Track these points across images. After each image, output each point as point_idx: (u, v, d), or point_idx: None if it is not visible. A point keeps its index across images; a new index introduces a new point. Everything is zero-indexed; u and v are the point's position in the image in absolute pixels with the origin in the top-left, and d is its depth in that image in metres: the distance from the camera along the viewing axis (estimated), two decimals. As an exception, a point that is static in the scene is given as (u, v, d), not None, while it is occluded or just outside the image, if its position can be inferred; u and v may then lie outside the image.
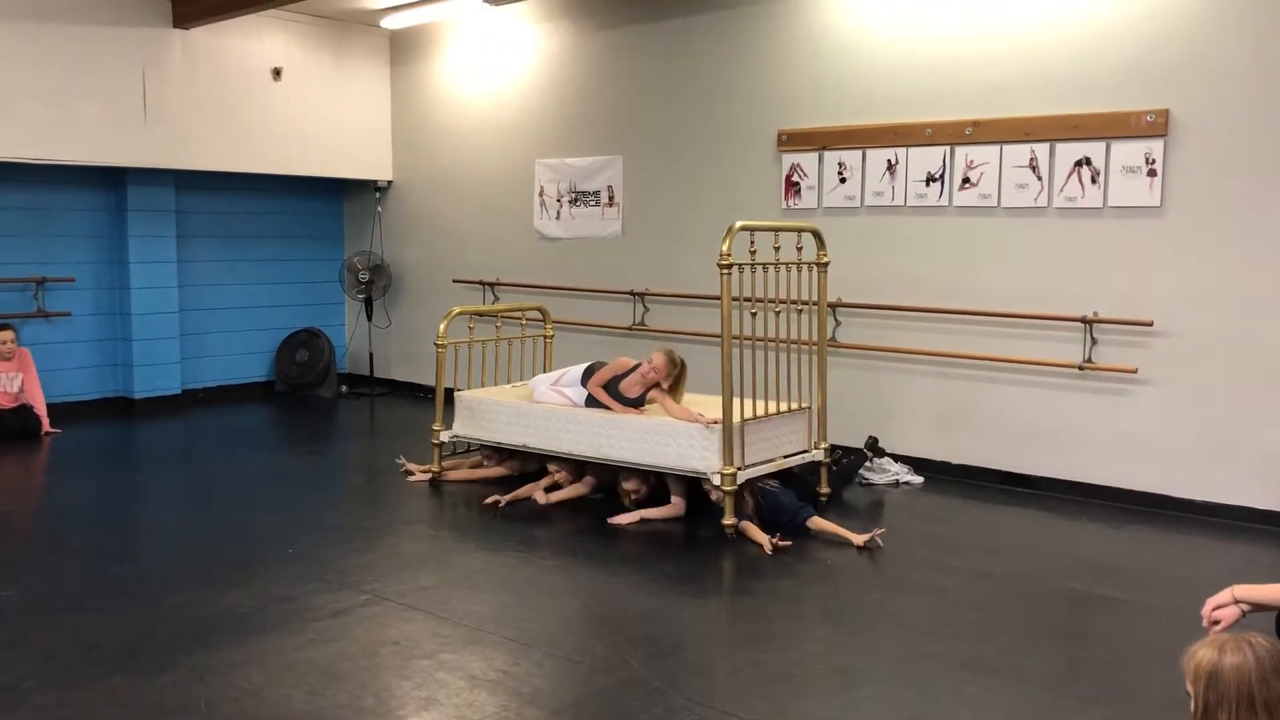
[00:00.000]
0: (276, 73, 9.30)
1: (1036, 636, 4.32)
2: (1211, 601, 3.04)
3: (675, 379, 6.10)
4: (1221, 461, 5.96)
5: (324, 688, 3.71)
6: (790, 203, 7.51)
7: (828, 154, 7.31)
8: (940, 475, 6.85)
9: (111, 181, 8.98)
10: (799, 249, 6.07)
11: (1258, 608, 3.01)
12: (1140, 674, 3.92)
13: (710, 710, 3.57)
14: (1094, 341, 6.33)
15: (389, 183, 10.27)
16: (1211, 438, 5.99)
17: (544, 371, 7.41)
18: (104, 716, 3.47)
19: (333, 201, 10.69)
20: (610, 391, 6.20)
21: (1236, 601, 3.00)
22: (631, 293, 8.38)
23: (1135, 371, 6.19)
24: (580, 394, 6.32)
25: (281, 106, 9.37)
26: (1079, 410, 6.44)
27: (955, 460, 6.88)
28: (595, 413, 6.09)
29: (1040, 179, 6.46)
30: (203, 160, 8.91)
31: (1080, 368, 6.36)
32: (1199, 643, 2.21)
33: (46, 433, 8.07)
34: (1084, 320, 6.31)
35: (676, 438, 5.72)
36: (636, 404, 6.18)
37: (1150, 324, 6.11)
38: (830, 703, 3.64)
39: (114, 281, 9.10)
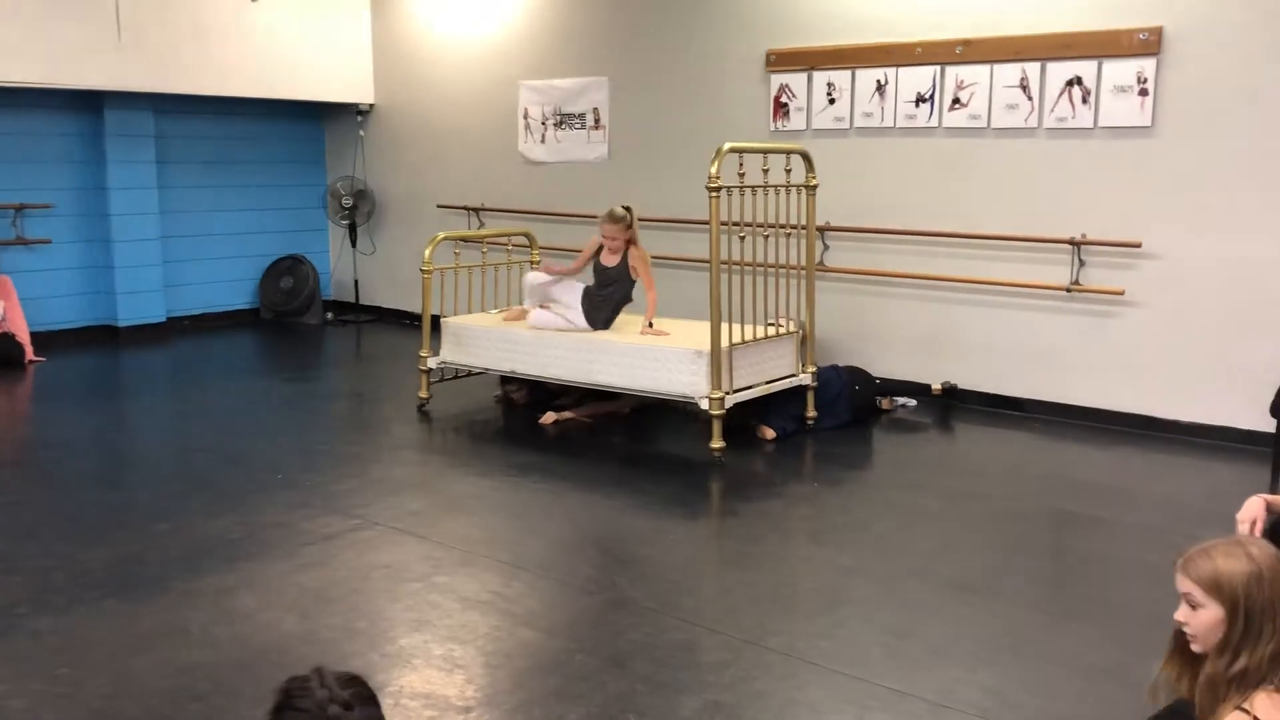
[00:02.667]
0: (254, -7, 9.08)
1: (1021, 556, 4.37)
2: (1242, 516, 3.10)
3: (631, 225, 6.23)
4: (1207, 382, 6.00)
5: (316, 611, 3.74)
6: (779, 124, 7.42)
7: (817, 74, 7.20)
8: (925, 397, 6.86)
9: (88, 105, 8.80)
10: (787, 171, 6.01)
11: None
12: (1123, 591, 3.98)
13: (699, 629, 3.61)
14: (1082, 263, 6.31)
15: (370, 106, 10.10)
16: (1197, 359, 6.02)
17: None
18: (97, 641, 3.50)
19: (314, 126, 10.51)
20: (597, 274, 6.35)
21: (1268, 507, 3.08)
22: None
23: (1123, 293, 6.19)
24: (576, 310, 6.33)
25: (260, 28, 9.17)
26: (1066, 332, 6.45)
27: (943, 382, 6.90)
28: (584, 337, 6.07)
29: (1031, 99, 6.39)
30: (180, 83, 8.74)
31: (1068, 289, 6.35)
32: (1206, 557, 2.13)
33: (30, 361, 8.02)
34: (1072, 242, 6.29)
35: (665, 362, 5.72)
36: (621, 271, 6.27)
37: (1139, 245, 6.09)
38: (817, 621, 3.69)
39: (94, 208, 8.97)
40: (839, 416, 6.31)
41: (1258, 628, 2.04)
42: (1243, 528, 3.03)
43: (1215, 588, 2.09)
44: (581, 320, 6.26)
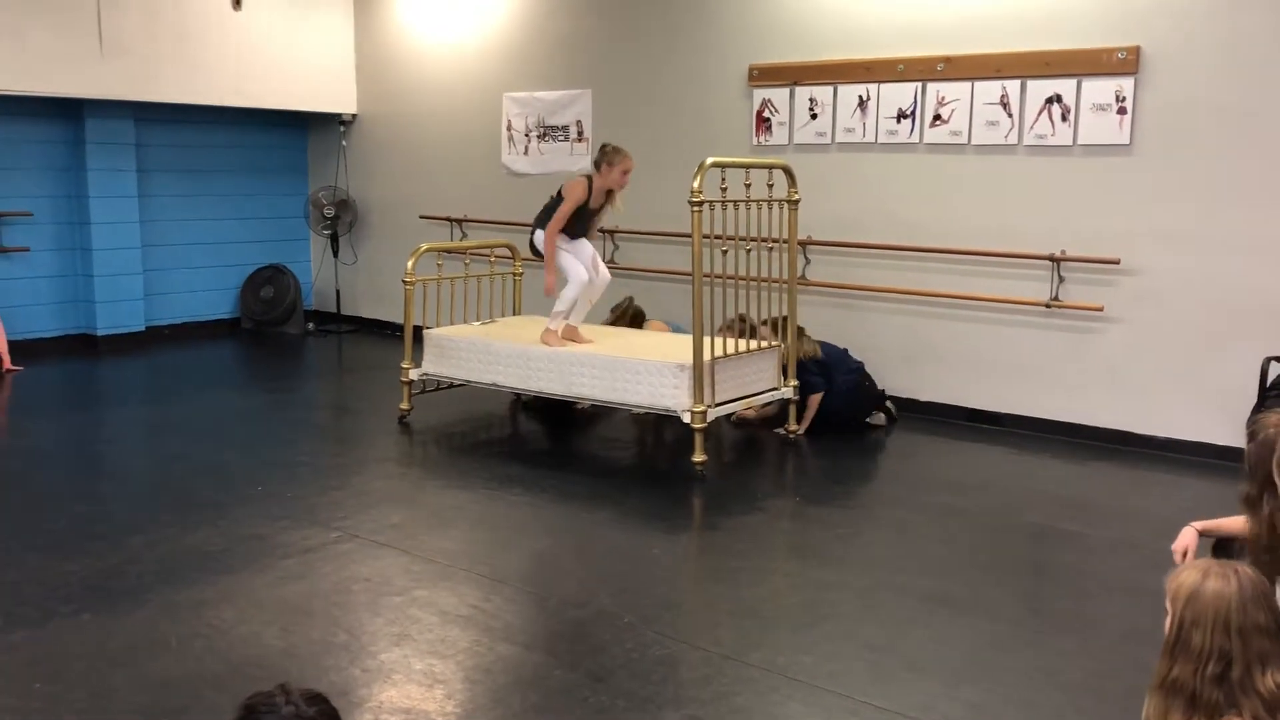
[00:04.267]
0: (236, 2, 9.06)
1: (1000, 570, 4.39)
2: (1175, 546, 3.16)
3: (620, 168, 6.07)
4: (1183, 399, 6.05)
5: (296, 624, 3.72)
6: (761, 139, 7.45)
7: (799, 89, 7.24)
8: (908, 412, 6.89)
9: (68, 113, 8.76)
10: (770, 186, 6.03)
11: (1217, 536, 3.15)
12: (1100, 606, 4.00)
13: (680, 644, 3.61)
14: (1061, 279, 6.36)
15: (353, 116, 10.09)
16: (1174, 375, 6.07)
17: (514, 312, 7.38)
18: (74, 654, 3.47)
19: (297, 135, 10.49)
20: (583, 221, 6.18)
21: (1200, 534, 3.14)
22: (601, 230, 8.29)
23: (1101, 309, 6.24)
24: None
25: (242, 37, 9.15)
26: (1045, 348, 6.49)
27: (922, 397, 6.93)
28: (566, 351, 6.06)
29: (1011, 116, 6.44)
30: (161, 92, 8.70)
31: (1047, 305, 6.40)
32: (1184, 566, 2.23)
33: (7, 370, 7.96)
34: (1052, 258, 6.34)
35: (647, 376, 5.71)
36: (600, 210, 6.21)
37: (1117, 262, 6.14)
38: (797, 636, 3.70)
39: (73, 216, 8.91)
40: (832, 402, 6.42)
41: (1187, 636, 2.11)
42: (1176, 558, 3.08)
43: (1170, 596, 2.19)
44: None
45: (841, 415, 6.48)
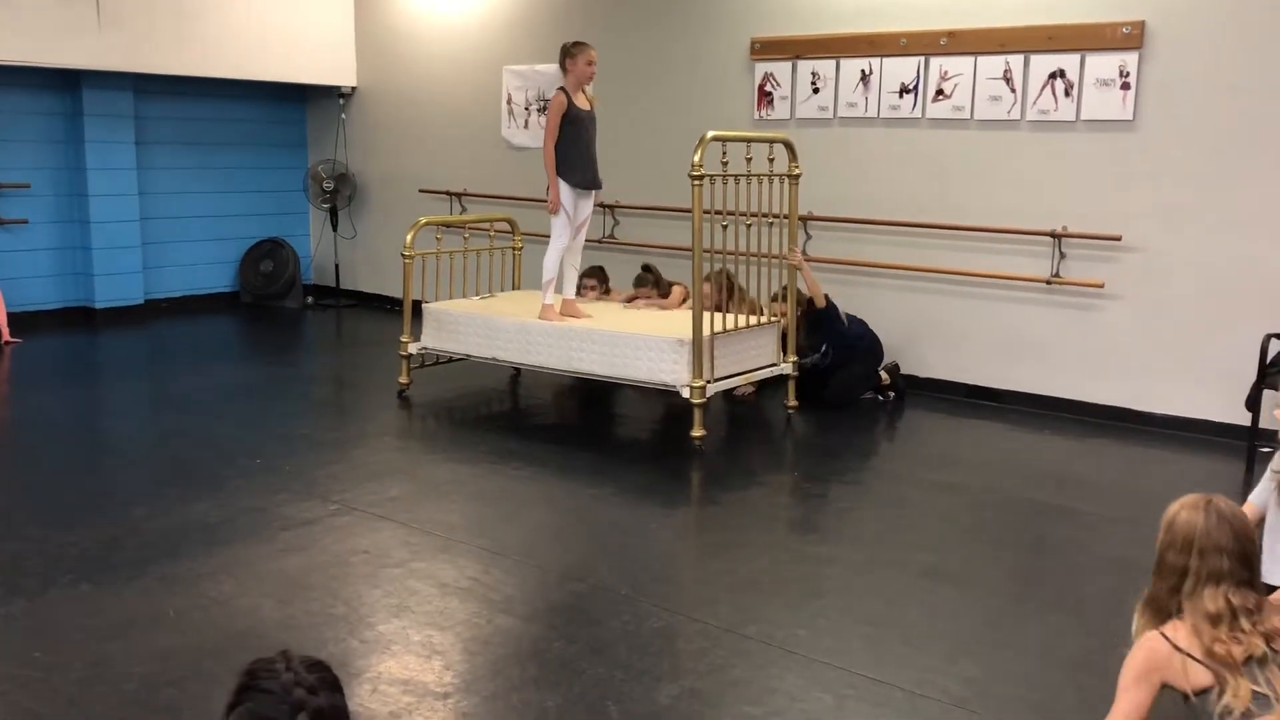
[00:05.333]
0: (235, -27, 9.00)
1: (998, 546, 4.40)
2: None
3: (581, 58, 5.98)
4: (1183, 376, 6.04)
5: (294, 596, 3.72)
6: (763, 113, 7.41)
7: (801, 63, 7.19)
8: (908, 389, 6.89)
9: (66, 85, 8.71)
10: (771, 160, 6.01)
11: None
12: (1096, 582, 4.01)
13: (678, 616, 3.62)
14: (1062, 256, 6.34)
15: (353, 89, 10.03)
16: (1174, 352, 6.06)
17: (514, 286, 7.36)
18: (73, 625, 3.48)
19: (296, 108, 10.43)
20: (572, 132, 6.02)
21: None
22: (601, 205, 8.28)
23: (1102, 286, 6.22)
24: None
25: (242, 8, 9.08)
26: (1046, 324, 6.48)
27: (923, 374, 6.93)
28: (566, 325, 6.04)
29: (1014, 91, 6.40)
30: (160, 64, 8.64)
31: (1048, 282, 6.38)
32: (1177, 500, 2.44)
33: (6, 342, 7.95)
34: (1053, 234, 6.31)
35: (647, 351, 5.71)
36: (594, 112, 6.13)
37: (1119, 239, 6.12)
38: (795, 609, 3.71)
39: (72, 188, 8.88)
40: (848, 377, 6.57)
41: (1162, 558, 2.37)
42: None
43: (1161, 525, 2.43)
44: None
45: (855, 391, 6.62)
